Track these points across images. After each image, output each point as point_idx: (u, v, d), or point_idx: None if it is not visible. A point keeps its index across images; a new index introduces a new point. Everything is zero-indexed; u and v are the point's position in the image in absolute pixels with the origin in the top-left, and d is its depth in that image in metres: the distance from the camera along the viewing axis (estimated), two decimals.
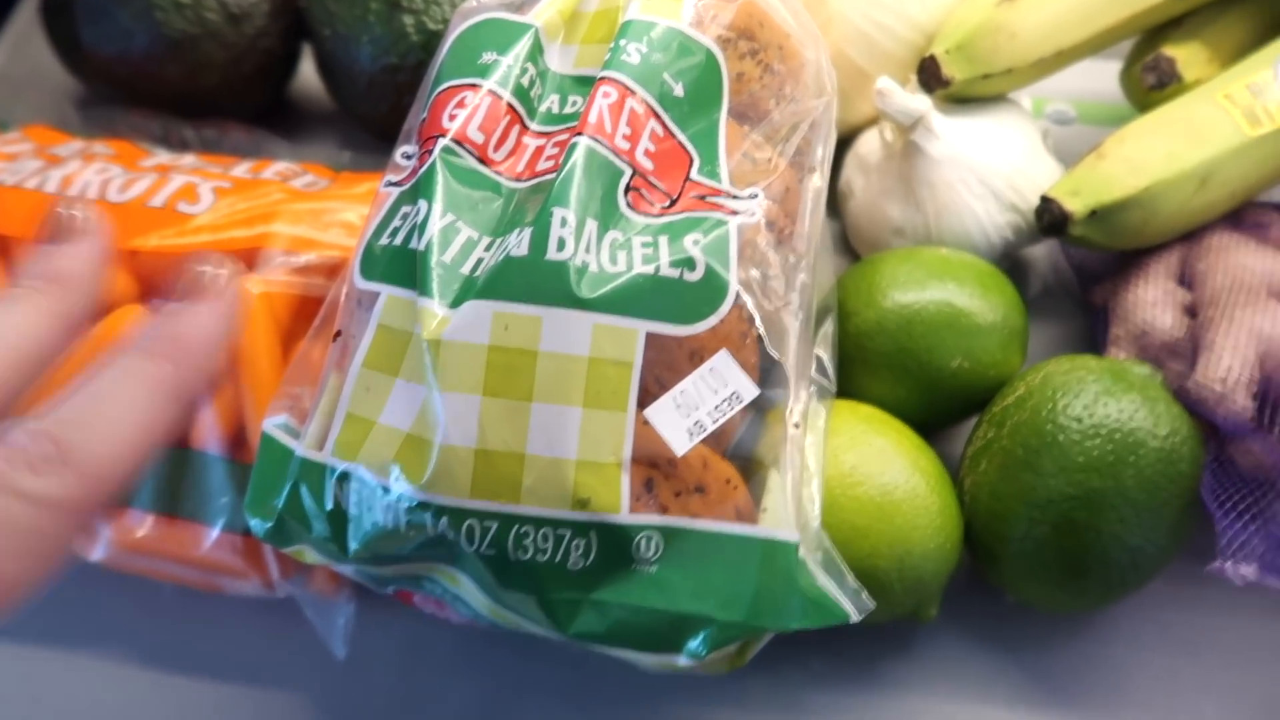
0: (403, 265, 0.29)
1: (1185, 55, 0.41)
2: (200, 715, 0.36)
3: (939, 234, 0.41)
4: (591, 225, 0.28)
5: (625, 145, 0.29)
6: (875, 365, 0.36)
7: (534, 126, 0.32)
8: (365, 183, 0.42)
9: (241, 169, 0.42)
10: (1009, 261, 0.43)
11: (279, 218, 0.38)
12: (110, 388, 0.20)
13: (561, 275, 0.27)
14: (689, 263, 0.28)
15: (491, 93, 0.31)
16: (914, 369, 0.36)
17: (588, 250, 0.28)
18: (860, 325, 0.37)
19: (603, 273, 0.28)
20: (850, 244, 0.45)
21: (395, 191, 0.31)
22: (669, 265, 0.28)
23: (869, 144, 0.44)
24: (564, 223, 0.28)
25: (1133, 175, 0.37)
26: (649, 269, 0.28)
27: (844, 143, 0.45)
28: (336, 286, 0.34)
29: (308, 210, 0.39)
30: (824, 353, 0.35)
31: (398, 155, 0.33)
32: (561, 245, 0.27)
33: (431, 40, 0.45)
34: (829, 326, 0.36)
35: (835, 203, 0.46)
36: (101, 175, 0.40)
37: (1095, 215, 0.37)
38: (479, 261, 0.29)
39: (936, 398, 0.37)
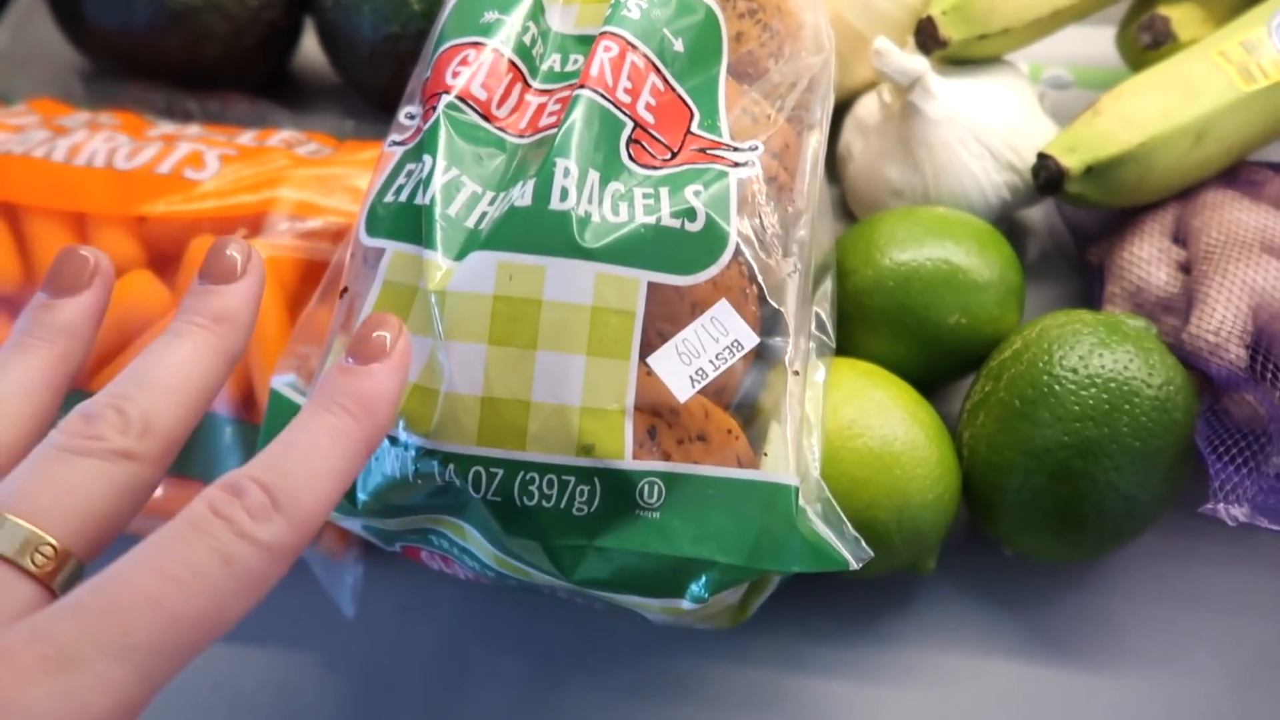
0: (408, 221, 0.30)
1: (1180, 14, 0.41)
2: (211, 676, 0.37)
3: (937, 194, 0.41)
4: (594, 176, 0.28)
5: (627, 98, 0.30)
6: (874, 322, 0.37)
7: (536, 85, 0.32)
8: (370, 149, 0.42)
9: (246, 137, 0.43)
10: (1006, 224, 0.44)
11: (284, 183, 0.39)
12: (314, 442, 0.21)
13: (564, 225, 0.27)
14: (690, 213, 0.28)
15: (495, 50, 0.31)
16: (912, 326, 0.36)
17: (590, 201, 0.28)
18: (859, 283, 0.37)
19: (605, 223, 0.28)
20: (849, 208, 0.46)
21: (399, 150, 0.32)
22: (670, 216, 0.28)
23: (867, 107, 0.44)
24: (567, 173, 0.28)
25: (1128, 131, 0.37)
26: (650, 219, 0.28)
27: (842, 108, 0.46)
28: (341, 249, 0.34)
29: (313, 176, 0.40)
30: (823, 311, 0.35)
31: (401, 116, 0.33)
32: (564, 195, 0.28)
33: (433, 8, 0.45)
34: (828, 285, 0.36)
35: (834, 167, 0.46)
36: (108, 144, 0.41)
37: (1091, 171, 0.37)
38: (483, 215, 0.29)
39: (935, 354, 0.37)
